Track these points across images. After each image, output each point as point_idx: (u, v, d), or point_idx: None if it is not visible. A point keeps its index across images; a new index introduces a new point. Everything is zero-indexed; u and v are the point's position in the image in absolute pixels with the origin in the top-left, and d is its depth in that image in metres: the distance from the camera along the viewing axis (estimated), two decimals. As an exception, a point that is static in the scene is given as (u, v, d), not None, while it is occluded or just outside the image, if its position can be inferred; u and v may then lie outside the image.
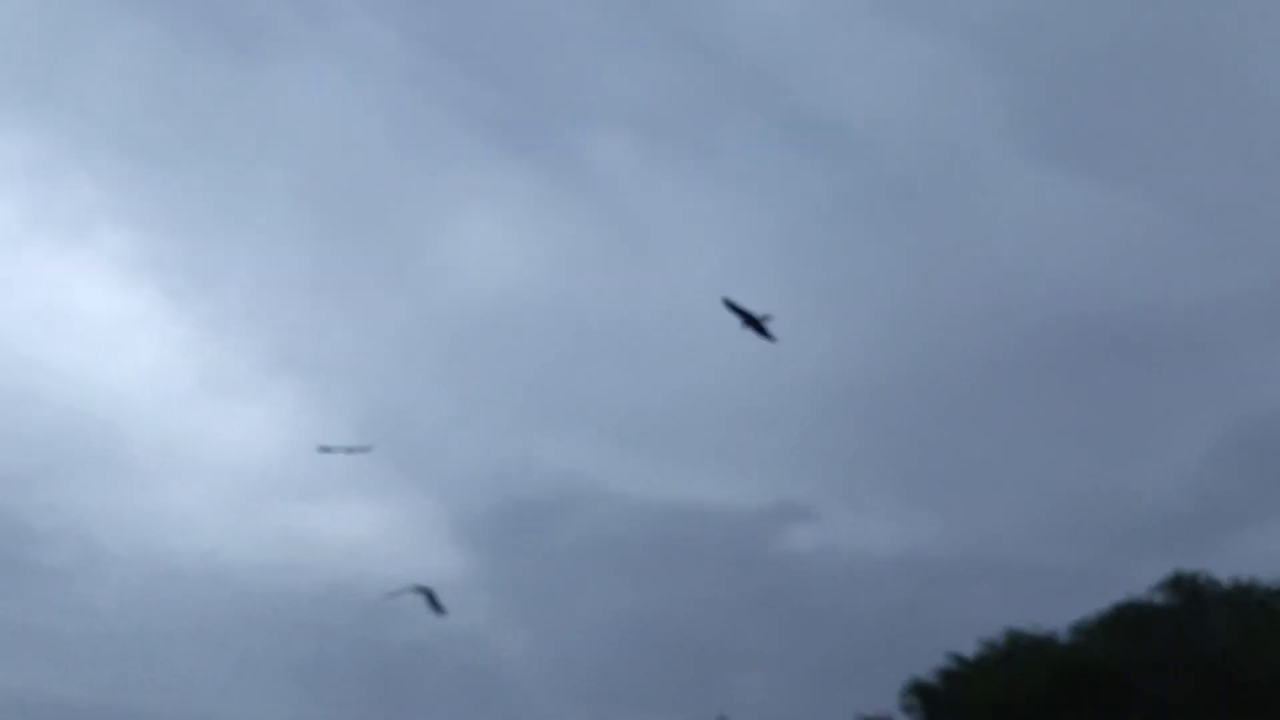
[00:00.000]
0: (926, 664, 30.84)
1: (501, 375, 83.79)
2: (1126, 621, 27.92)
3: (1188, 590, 27.98)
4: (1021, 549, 58.96)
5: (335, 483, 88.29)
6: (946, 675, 30.13)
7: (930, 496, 68.61)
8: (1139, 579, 29.46)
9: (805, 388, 68.06)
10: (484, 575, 74.25)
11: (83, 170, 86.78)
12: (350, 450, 22.72)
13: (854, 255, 76.50)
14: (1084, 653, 27.42)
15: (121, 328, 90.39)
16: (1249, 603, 27.20)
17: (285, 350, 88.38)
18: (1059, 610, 30.23)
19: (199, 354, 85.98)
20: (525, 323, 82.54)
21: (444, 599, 21.25)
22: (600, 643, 65.15)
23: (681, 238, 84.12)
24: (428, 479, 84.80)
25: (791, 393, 69.82)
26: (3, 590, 67.53)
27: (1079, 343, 68.64)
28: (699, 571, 67.52)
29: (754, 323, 18.58)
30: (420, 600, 20.74)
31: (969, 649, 29.90)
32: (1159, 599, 28.24)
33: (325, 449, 22.58)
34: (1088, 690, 26.28)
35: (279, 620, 64.52)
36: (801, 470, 72.32)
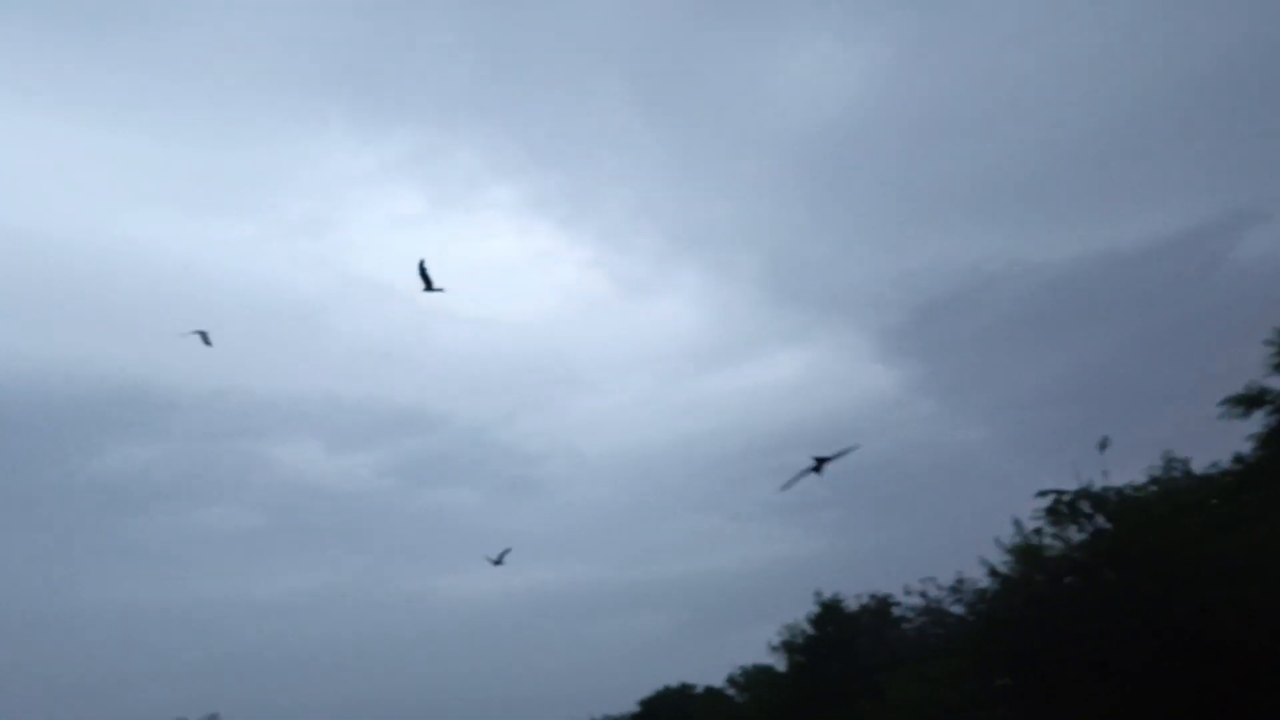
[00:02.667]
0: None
1: (871, 191, 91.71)
2: None
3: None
4: None
5: (758, 342, 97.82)
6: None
7: None
8: None
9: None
10: (919, 382, 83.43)
11: (460, 145, 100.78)
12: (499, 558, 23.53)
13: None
14: None
15: (534, 264, 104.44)
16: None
17: (676, 240, 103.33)
18: None
19: (604, 266, 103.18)
20: (872, 134, 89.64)
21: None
22: (1049, 408, 72.14)
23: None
24: (840, 310, 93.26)
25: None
26: (517, 507, 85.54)
27: None
28: (1125, 316, 72.47)
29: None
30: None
31: None
32: None
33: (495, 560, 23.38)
34: None
35: (748, 469, 77.29)
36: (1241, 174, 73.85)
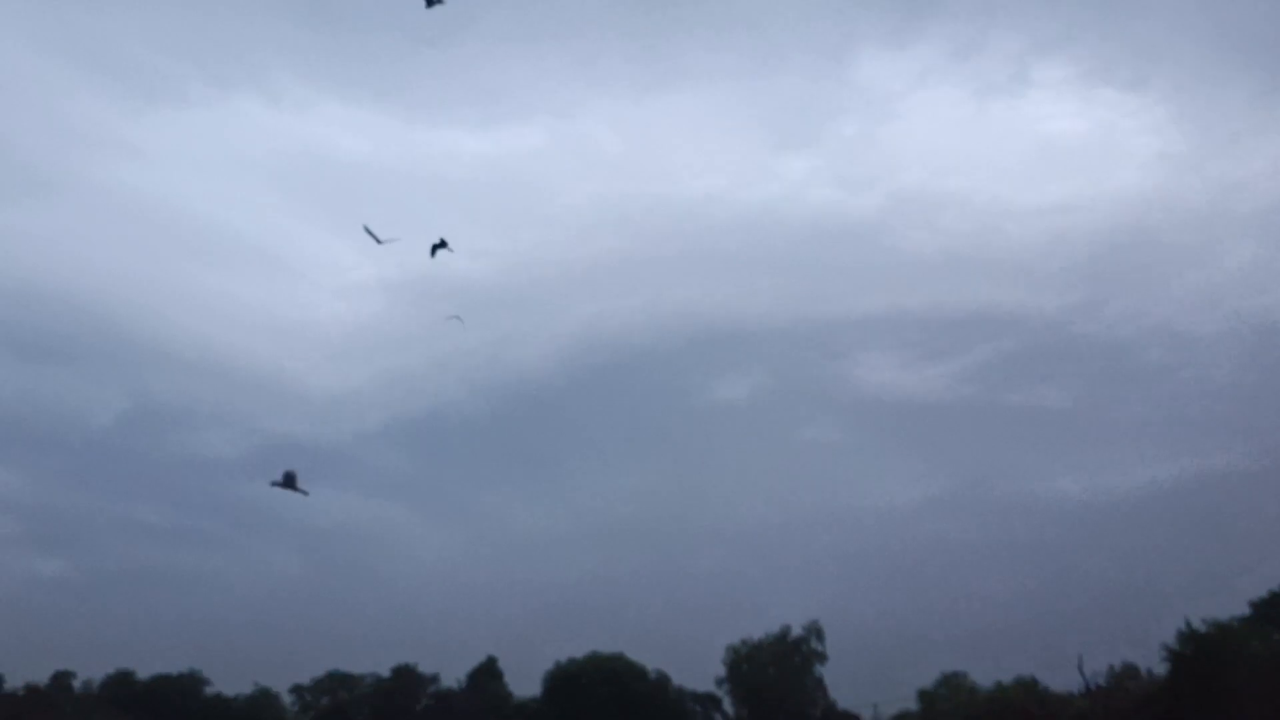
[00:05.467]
0: None
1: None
2: None
3: None
4: None
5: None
6: None
7: None
8: None
9: None
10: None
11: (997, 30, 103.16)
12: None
13: None
14: None
15: (1099, 138, 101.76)
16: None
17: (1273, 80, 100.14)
18: None
19: (1184, 123, 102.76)
20: None
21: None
22: None
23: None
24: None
25: None
26: (1112, 400, 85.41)
27: None
28: None
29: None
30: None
31: None
32: None
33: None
34: None
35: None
36: None
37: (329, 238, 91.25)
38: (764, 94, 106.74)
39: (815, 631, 58.43)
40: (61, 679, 63.96)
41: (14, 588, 70.75)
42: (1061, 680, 46.56)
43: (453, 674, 63.01)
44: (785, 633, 58.61)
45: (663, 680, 59.23)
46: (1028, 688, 47.62)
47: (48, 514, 72.02)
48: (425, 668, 63.99)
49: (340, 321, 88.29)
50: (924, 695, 54.38)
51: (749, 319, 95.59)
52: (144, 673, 64.97)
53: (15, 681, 59.72)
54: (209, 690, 65.34)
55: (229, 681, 64.46)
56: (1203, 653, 38.51)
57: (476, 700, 60.13)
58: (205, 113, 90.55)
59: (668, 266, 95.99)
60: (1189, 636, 39.37)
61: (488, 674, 62.15)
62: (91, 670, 65.12)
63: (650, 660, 59.21)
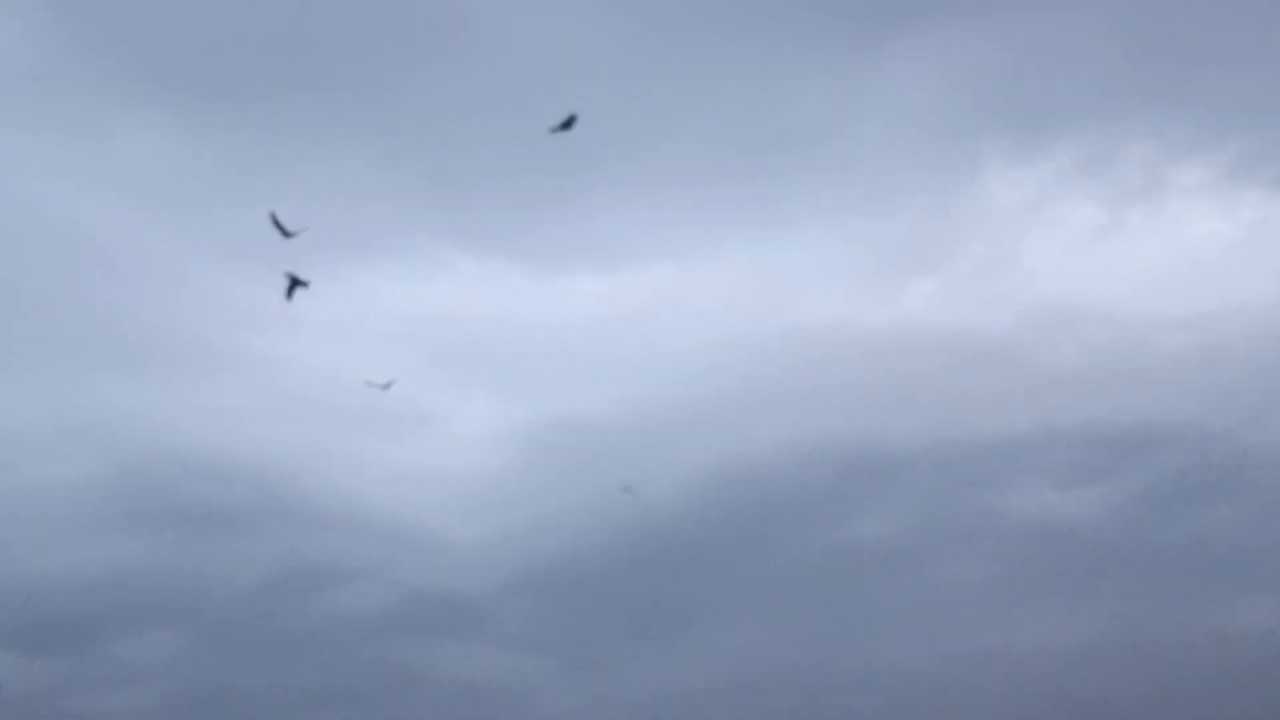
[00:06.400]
0: None
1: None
2: None
3: None
4: None
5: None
6: None
7: None
8: None
9: None
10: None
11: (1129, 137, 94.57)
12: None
13: None
14: None
15: (1246, 241, 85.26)
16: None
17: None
18: None
19: None
20: None
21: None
22: None
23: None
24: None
25: None
26: None
27: None
28: None
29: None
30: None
31: None
32: None
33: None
34: None
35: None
36: None
37: (460, 390, 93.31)
38: (886, 220, 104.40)
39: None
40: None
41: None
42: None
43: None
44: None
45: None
46: None
47: (199, 679, 73.31)
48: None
49: (474, 471, 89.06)
50: None
51: (885, 446, 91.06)
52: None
53: None
54: None
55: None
56: None
57: None
58: (350, 282, 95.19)
59: (797, 398, 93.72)
60: None
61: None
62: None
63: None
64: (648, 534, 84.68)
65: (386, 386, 24.57)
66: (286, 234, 18.61)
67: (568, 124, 22.51)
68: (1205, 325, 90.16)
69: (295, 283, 19.03)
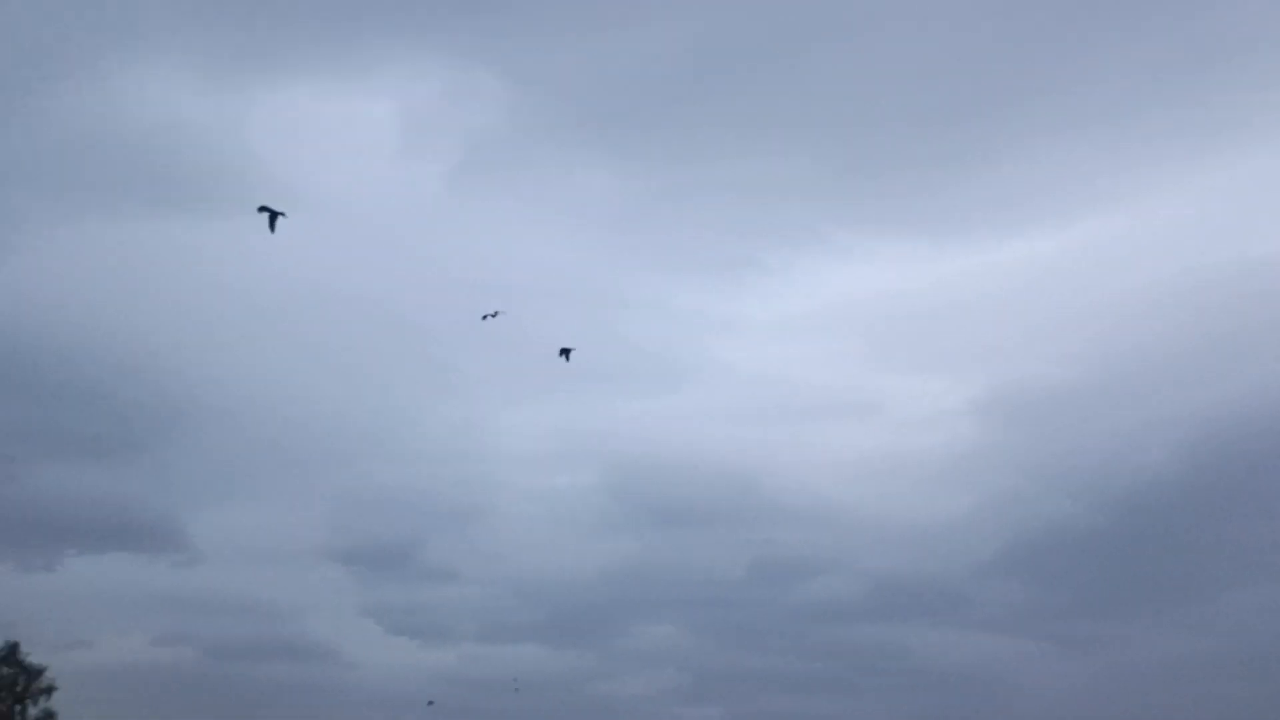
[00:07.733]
0: None
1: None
2: None
3: None
4: None
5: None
6: None
7: None
8: None
9: None
10: None
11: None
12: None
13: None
14: None
15: None
16: None
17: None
18: None
19: None
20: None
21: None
22: None
23: None
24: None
25: None
26: None
27: None
28: None
29: None
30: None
31: None
32: None
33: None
34: None
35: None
36: None
37: (905, 372, 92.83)
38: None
39: None
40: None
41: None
42: None
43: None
44: None
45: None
46: None
47: (699, 665, 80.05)
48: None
49: (933, 452, 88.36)
50: None
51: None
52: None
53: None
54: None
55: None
56: None
57: None
58: (779, 279, 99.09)
59: (1268, 335, 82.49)
60: None
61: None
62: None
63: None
64: (1133, 499, 76.57)
65: (495, 315, 27.38)
66: (275, 215, 21.10)
67: (565, 353, 25.13)
68: None
69: (273, 215, 21.28)
